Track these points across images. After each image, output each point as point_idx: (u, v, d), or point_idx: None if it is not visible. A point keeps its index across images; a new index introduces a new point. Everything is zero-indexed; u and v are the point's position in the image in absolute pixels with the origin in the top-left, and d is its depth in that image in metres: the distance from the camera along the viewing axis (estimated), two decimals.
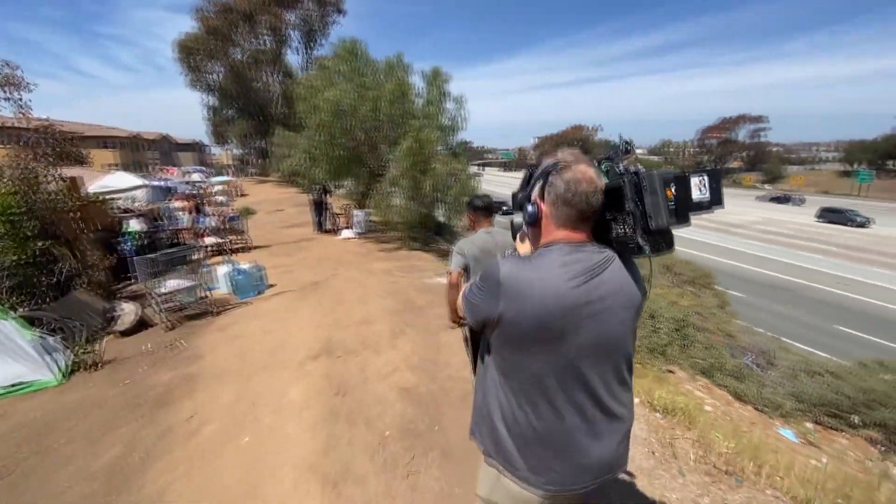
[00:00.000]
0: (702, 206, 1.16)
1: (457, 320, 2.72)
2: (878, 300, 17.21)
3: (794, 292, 18.14)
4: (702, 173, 1.15)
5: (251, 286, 6.55)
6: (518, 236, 1.41)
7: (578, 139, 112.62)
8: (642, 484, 2.65)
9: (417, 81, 10.99)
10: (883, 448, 5.47)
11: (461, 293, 1.37)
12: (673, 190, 1.13)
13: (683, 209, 1.13)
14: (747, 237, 28.14)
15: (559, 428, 1.16)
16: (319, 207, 11.97)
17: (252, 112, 33.09)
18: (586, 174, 1.14)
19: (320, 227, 12.05)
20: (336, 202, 15.34)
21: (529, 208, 1.23)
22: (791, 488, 2.77)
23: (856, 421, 5.70)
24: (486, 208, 2.90)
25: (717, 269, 18.14)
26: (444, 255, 9.67)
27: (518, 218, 1.43)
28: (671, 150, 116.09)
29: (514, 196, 1.38)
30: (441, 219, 11.85)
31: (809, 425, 5.93)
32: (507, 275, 1.12)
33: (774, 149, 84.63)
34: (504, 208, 29.82)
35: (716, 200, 1.17)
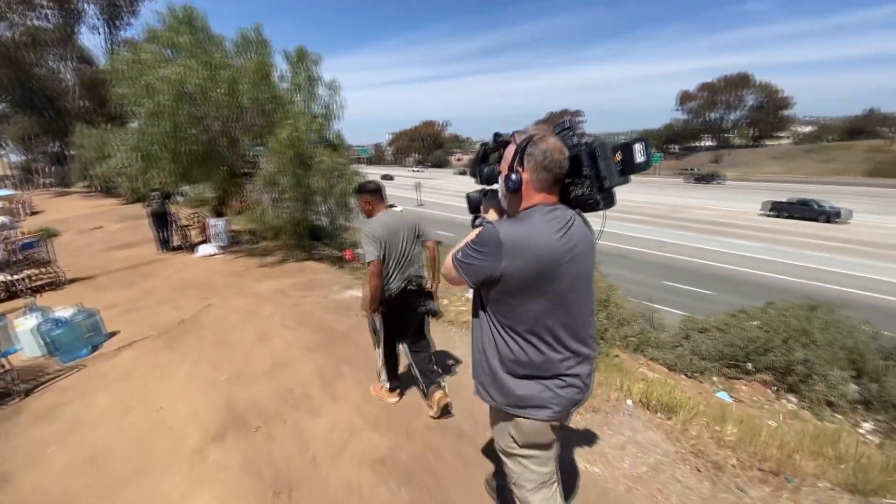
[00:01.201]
0: (640, 168, 1.35)
1: (375, 308, 2.84)
2: (688, 257, 21.41)
3: (628, 258, 21.33)
4: (640, 140, 1.34)
5: (80, 340, 4.54)
6: (482, 208, 1.61)
7: (430, 134, 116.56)
8: None
9: (280, 63, 9.38)
10: (775, 388, 6.24)
11: (451, 258, 1.48)
12: (619, 155, 1.33)
13: (628, 170, 1.35)
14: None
15: (555, 358, 1.39)
16: (162, 220, 9.47)
17: (38, 106, 25.70)
18: (557, 144, 1.34)
19: (166, 244, 9.57)
20: (179, 212, 12.57)
21: (513, 177, 1.35)
22: (825, 472, 2.63)
23: (750, 367, 6.41)
24: (379, 191, 2.99)
25: None
26: (340, 262, 8.41)
27: (474, 193, 1.65)
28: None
29: (480, 170, 1.62)
30: (322, 221, 10.44)
31: (715, 378, 6.51)
32: (507, 235, 1.31)
33: None
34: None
35: (648, 163, 1.36)
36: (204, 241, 9.91)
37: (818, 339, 6.53)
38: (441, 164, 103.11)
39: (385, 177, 61.20)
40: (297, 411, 3.19)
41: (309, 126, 7.76)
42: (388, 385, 3.22)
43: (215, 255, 8.75)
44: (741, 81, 78.15)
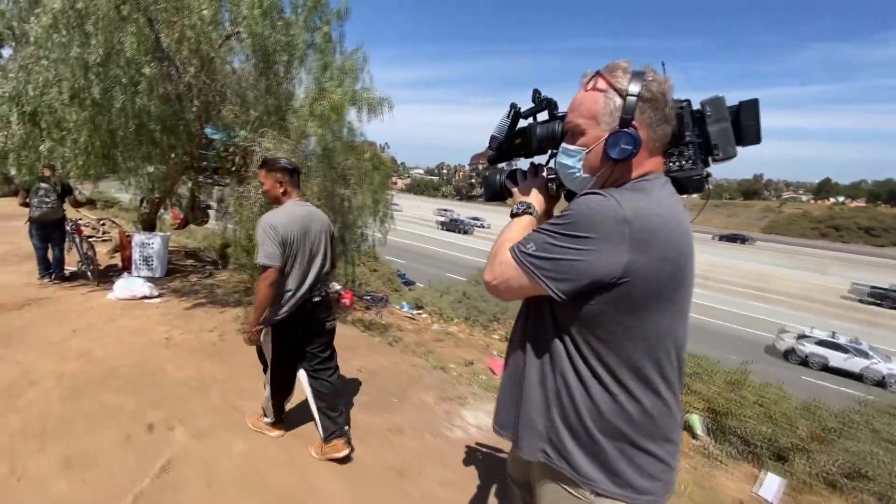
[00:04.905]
0: (759, 137, 0.95)
1: (257, 336, 2.18)
2: None
3: None
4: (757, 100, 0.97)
5: None
6: (518, 189, 1.12)
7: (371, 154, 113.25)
8: None
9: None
10: None
11: (511, 253, 0.91)
12: (734, 117, 0.95)
13: (749, 139, 0.95)
14: None
15: (672, 405, 0.89)
16: (54, 230, 5.53)
17: None
18: (671, 84, 0.89)
19: (55, 270, 5.59)
20: (80, 217, 8.35)
21: (631, 132, 0.85)
22: None
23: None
24: (296, 171, 2.27)
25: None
26: (382, 329, 5.11)
27: (493, 174, 1.21)
28: (444, 171, 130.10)
29: (529, 132, 1.06)
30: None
31: None
32: (636, 212, 0.81)
33: None
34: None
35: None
36: (122, 268, 6.11)
37: None
38: None
39: None
40: None
41: (352, 99, 4.66)
42: (272, 419, 2.49)
43: (149, 298, 5.06)
44: None
